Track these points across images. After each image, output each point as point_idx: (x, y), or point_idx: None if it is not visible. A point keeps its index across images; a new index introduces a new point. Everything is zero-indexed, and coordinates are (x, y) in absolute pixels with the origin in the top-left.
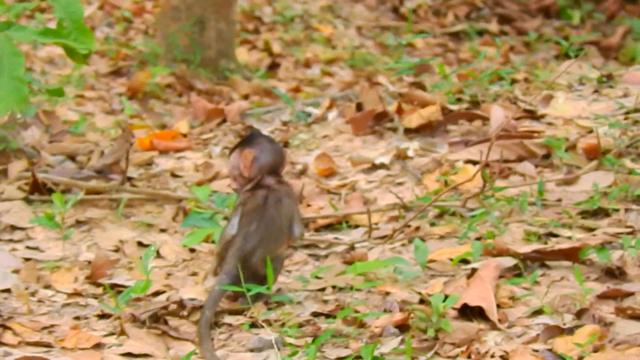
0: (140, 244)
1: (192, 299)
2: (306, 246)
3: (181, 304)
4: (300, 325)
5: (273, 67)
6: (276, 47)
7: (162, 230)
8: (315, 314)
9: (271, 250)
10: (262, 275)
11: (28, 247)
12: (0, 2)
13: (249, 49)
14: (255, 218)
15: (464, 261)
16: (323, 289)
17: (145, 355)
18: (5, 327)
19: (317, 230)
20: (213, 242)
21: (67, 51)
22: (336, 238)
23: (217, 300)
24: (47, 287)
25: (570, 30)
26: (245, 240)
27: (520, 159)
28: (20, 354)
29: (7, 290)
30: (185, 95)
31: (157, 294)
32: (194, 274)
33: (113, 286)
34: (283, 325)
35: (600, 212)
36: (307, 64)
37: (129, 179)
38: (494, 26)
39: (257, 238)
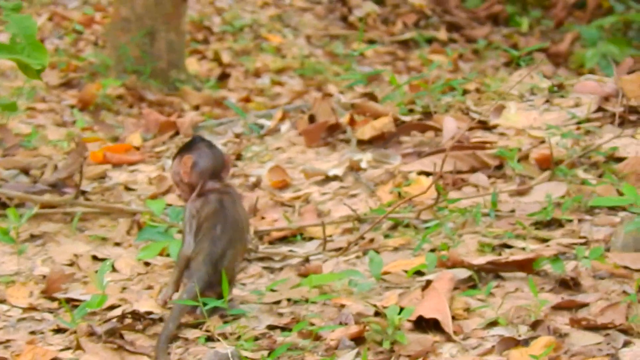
0: (95, 257)
1: (148, 313)
2: (261, 259)
3: (137, 318)
4: (256, 339)
5: (223, 77)
6: (226, 57)
7: (117, 244)
8: (271, 327)
9: (239, 251)
10: (229, 280)
11: None
12: None
13: (199, 59)
14: (218, 221)
15: (419, 273)
16: (278, 302)
17: None
18: None
19: (271, 242)
20: (168, 255)
21: (20, 66)
22: (291, 251)
23: (182, 313)
24: (2, 301)
25: (519, 37)
26: (213, 245)
27: (473, 170)
28: None
29: None
30: (136, 106)
31: (112, 307)
32: (150, 287)
33: (68, 300)
34: (239, 338)
35: (554, 223)
36: (257, 74)
37: (83, 192)
38: (442, 34)
39: (225, 240)
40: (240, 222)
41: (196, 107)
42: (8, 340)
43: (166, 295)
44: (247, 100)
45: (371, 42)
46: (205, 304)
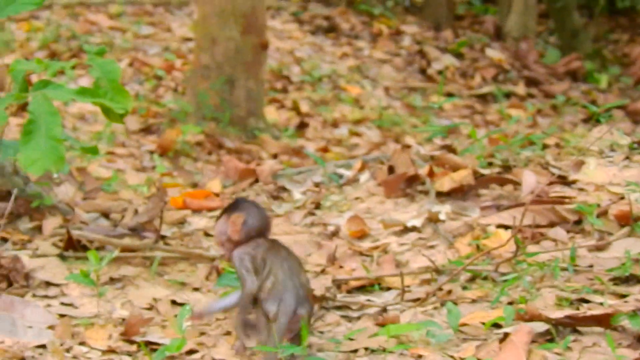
0: (174, 302)
1: None
2: (338, 307)
3: None
4: None
5: (301, 126)
6: (304, 107)
7: (195, 289)
8: None
9: (310, 292)
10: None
11: (63, 304)
12: (37, 61)
13: (278, 108)
14: (280, 258)
15: (496, 325)
16: (355, 351)
17: None
18: None
19: (349, 291)
20: None
21: (103, 110)
22: (368, 300)
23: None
24: (82, 343)
25: (597, 94)
26: (286, 287)
27: (552, 225)
28: None
29: (43, 346)
30: (215, 153)
31: (191, 352)
32: (228, 333)
33: (147, 344)
34: None
35: (632, 279)
36: (335, 124)
37: (163, 237)
38: (521, 89)
39: (297, 280)
40: (299, 262)
41: (274, 156)
42: None
43: (240, 346)
44: (324, 150)
45: (449, 95)
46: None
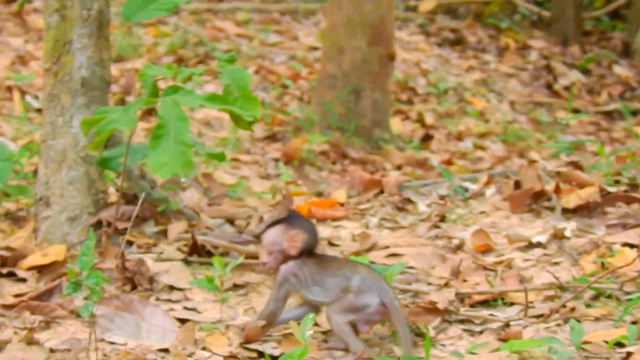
0: None
1: None
2: (461, 321)
3: None
4: None
5: (426, 138)
6: (429, 119)
7: None
8: None
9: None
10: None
11: (186, 308)
12: (168, 66)
13: (403, 119)
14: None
15: (619, 344)
16: None
17: None
18: None
19: (472, 305)
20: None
21: (232, 117)
22: (491, 314)
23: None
24: (204, 348)
25: None
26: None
27: None
28: None
29: (165, 350)
30: (339, 163)
31: None
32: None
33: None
34: None
35: None
36: (460, 137)
37: None
38: None
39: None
40: None
41: (398, 167)
42: None
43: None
44: (449, 162)
45: (575, 111)
46: None
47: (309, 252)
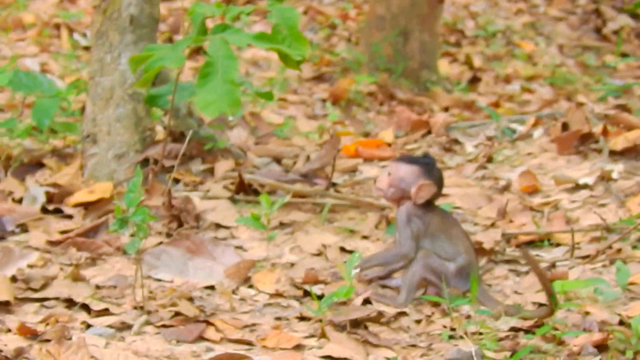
0: (342, 249)
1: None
2: (507, 261)
3: (381, 312)
4: (500, 340)
5: (473, 80)
6: (477, 61)
7: (365, 237)
8: (515, 329)
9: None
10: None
11: (232, 246)
12: (217, 5)
13: (450, 62)
14: (453, 226)
15: None
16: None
17: (345, 359)
18: (209, 323)
19: (518, 246)
20: None
21: (280, 56)
22: (537, 255)
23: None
24: (250, 286)
25: None
26: (463, 248)
27: None
28: (222, 350)
29: (211, 287)
30: (387, 104)
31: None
32: None
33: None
34: (482, 338)
35: None
36: (507, 80)
37: (334, 184)
38: None
39: (468, 243)
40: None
41: (445, 109)
42: (254, 324)
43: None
44: (496, 105)
45: (624, 55)
46: (451, 300)
47: (428, 203)
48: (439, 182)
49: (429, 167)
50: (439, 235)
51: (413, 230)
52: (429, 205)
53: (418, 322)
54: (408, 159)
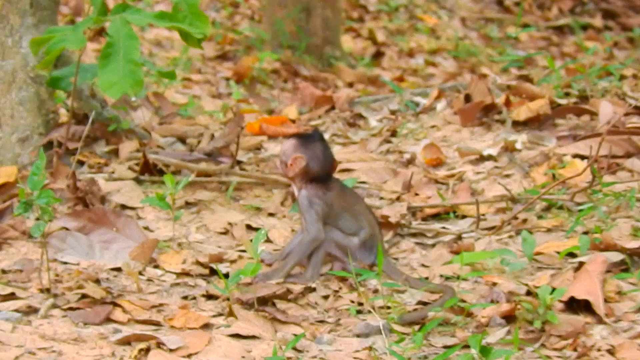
0: (249, 227)
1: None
2: (413, 234)
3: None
4: (407, 313)
5: (377, 55)
6: (380, 36)
7: (271, 214)
8: (422, 303)
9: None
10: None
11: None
12: None
13: (354, 37)
14: (354, 201)
15: (571, 255)
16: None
17: (254, 337)
18: (115, 305)
19: (424, 219)
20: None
21: (182, 35)
22: (443, 227)
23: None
24: (156, 267)
25: None
26: (363, 223)
27: (628, 155)
28: (130, 331)
29: (118, 269)
30: (291, 81)
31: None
32: None
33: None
34: (389, 312)
35: None
36: (411, 54)
37: (239, 162)
38: (598, 21)
39: (370, 216)
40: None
41: (350, 85)
42: (161, 305)
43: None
44: (400, 79)
45: (525, 26)
46: (358, 274)
47: (320, 179)
48: (320, 157)
49: (306, 140)
50: (342, 213)
51: (318, 212)
52: (327, 183)
53: (325, 297)
54: (292, 135)
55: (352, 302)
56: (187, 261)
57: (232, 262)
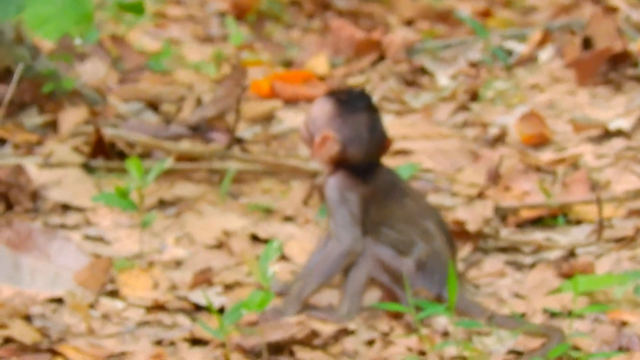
0: (254, 237)
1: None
2: (503, 250)
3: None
4: None
5: None
6: None
7: (288, 219)
8: (515, 352)
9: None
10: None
11: (88, 237)
12: None
13: None
14: (406, 196)
15: None
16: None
17: None
18: (55, 353)
19: (519, 225)
20: None
21: None
22: (548, 239)
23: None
24: (116, 296)
25: None
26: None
27: None
28: None
29: (58, 300)
30: (318, 17)
31: None
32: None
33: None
34: None
35: None
36: None
37: (239, 140)
38: None
39: (434, 221)
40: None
41: (408, 22)
42: (123, 354)
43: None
44: (486, 14)
45: None
46: (419, 309)
47: (361, 165)
48: (364, 135)
49: (346, 107)
50: (392, 217)
51: (353, 212)
52: (371, 171)
53: (370, 343)
54: (330, 92)
55: (410, 349)
56: (161, 287)
57: (228, 288)
